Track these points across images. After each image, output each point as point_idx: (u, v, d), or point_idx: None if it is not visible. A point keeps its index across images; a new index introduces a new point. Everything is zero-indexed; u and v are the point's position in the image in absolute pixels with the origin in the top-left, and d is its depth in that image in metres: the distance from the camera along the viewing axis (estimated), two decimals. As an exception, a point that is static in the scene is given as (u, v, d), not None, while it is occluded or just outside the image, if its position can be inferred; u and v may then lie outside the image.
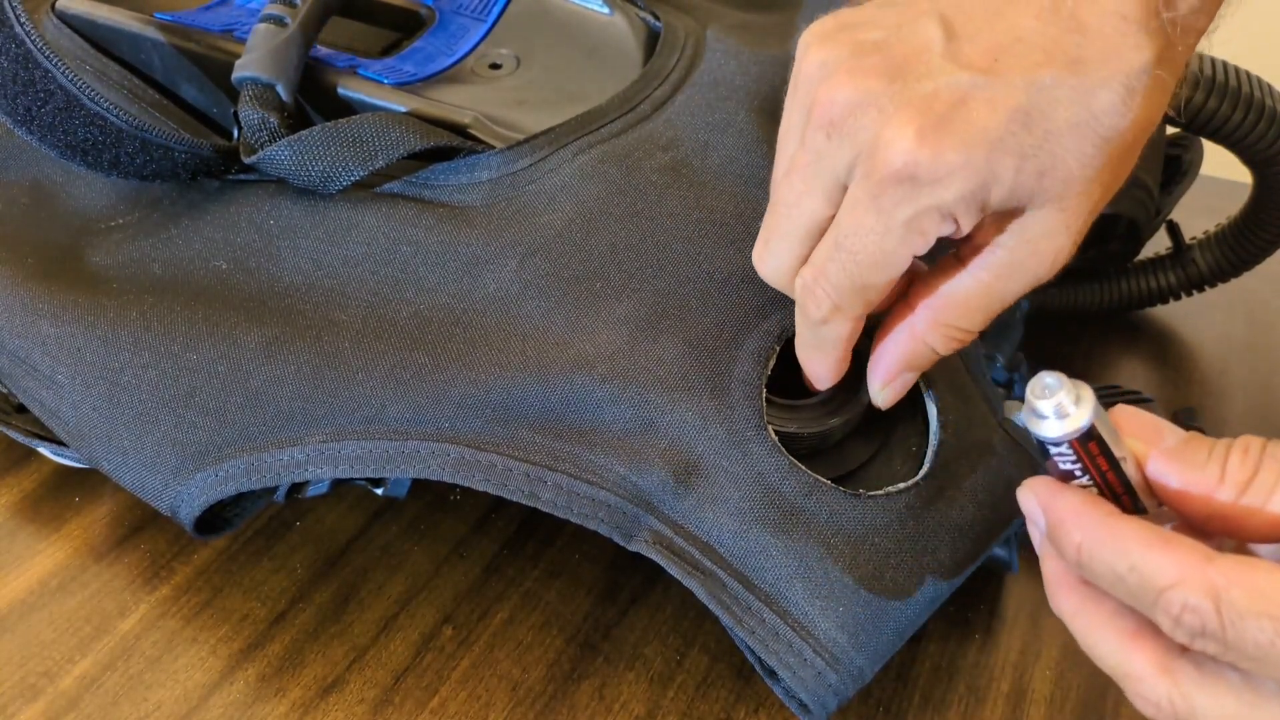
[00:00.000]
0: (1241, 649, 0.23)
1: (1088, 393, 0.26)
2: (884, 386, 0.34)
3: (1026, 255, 0.30)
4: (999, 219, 0.30)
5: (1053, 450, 0.26)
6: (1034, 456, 0.29)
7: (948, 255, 0.31)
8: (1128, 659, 0.26)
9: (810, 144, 0.30)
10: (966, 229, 0.29)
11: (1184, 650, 0.25)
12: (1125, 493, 0.27)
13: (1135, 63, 0.27)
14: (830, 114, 0.29)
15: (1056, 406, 0.26)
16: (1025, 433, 0.27)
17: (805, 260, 0.32)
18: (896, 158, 0.28)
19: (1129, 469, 0.27)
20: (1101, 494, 0.27)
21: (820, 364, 0.34)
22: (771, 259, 0.33)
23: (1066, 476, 0.27)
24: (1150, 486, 0.27)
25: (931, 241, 0.29)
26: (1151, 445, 0.27)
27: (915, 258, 0.30)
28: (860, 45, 0.30)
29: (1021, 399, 0.43)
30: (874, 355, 0.34)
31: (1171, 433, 0.27)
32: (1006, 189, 0.28)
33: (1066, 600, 0.27)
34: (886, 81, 0.29)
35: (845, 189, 0.30)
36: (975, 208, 0.28)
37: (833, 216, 0.30)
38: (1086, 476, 0.27)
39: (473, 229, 0.38)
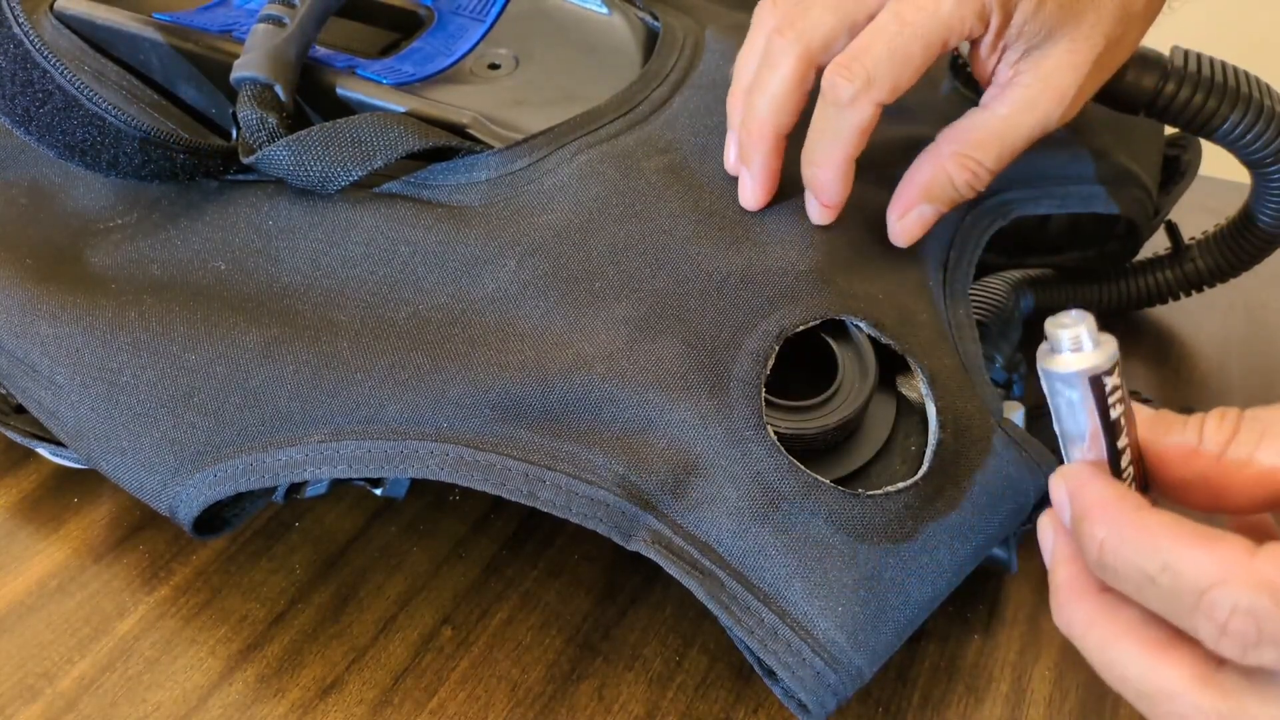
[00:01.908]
0: None
1: (1110, 338, 0.24)
2: (902, 216, 0.37)
3: (1039, 91, 0.35)
4: (1015, 59, 0.34)
5: (1062, 391, 0.24)
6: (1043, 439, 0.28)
7: (975, 106, 0.36)
8: (1158, 673, 0.23)
9: None
10: (993, 34, 0.34)
11: (1222, 661, 0.22)
12: (1138, 463, 0.25)
13: None
14: None
15: (1074, 339, 0.24)
16: (1041, 378, 0.24)
17: (829, 47, 0.34)
18: None
19: (1132, 435, 0.24)
20: (1112, 465, 0.24)
21: (831, 157, 0.35)
22: (817, 29, 0.34)
23: (1080, 436, 0.24)
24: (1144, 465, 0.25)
25: (967, 32, 0.33)
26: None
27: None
28: None
29: (1020, 399, 0.43)
30: (895, 192, 0.37)
31: (1144, 410, 0.26)
32: (1032, 5, 0.33)
33: (1080, 610, 0.25)
34: None
35: None
36: (1001, 14, 0.33)
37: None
38: (1108, 429, 0.24)
39: (471, 229, 0.38)
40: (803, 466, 0.33)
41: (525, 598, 0.39)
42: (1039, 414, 0.44)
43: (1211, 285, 0.51)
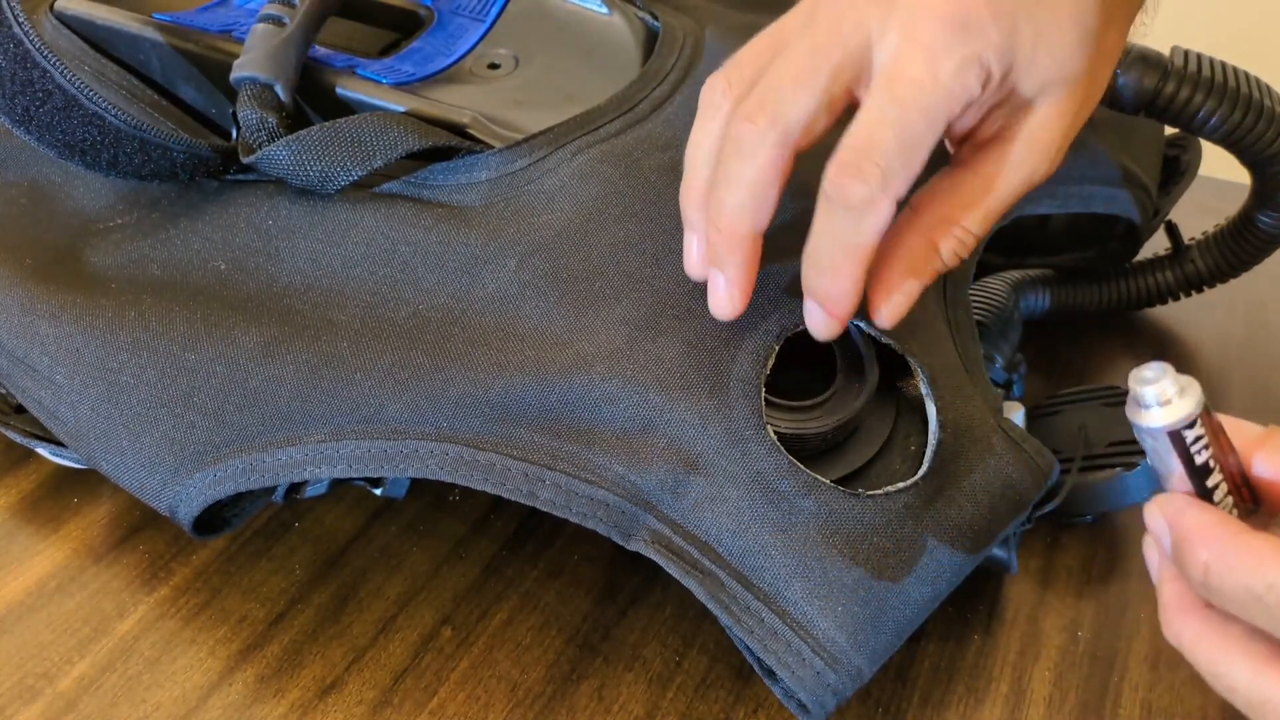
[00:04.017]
0: None
1: (1193, 384, 0.25)
2: (887, 298, 0.33)
3: (1026, 148, 0.32)
4: (998, 116, 0.32)
5: (1148, 440, 0.26)
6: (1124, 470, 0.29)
7: (948, 166, 0.33)
8: (1265, 684, 0.24)
9: (827, 15, 0.31)
10: (989, 94, 0.31)
11: None
12: (1238, 492, 0.26)
13: None
14: None
15: (1159, 394, 0.25)
16: (1133, 432, 0.26)
17: (810, 130, 0.31)
18: (940, 5, 0.29)
19: (1228, 468, 0.26)
20: (1208, 496, 0.26)
21: (847, 268, 0.31)
22: (793, 109, 0.31)
23: (1170, 476, 0.26)
24: (1251, 486, 0.26)
25: (966, 100, 0.30)
26: (1244, 440, 0.26)
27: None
28: None
29: (1020, 399, 0.43)
30: (875, 270, 0.33)
31: (1249, 427, 0.27)
32: (1026, 54, 0.30)
33: (1188, 626, 0.26)
34: None
35: (868, 59, 0.30)
36: (1002, 67, 0.30)
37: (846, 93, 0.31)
38: (1195, 474, 0.25)
39: (471, 229, 0.38)
40: (803, 466, 0.33)
41: (525, 598, 0.39)
42: (1039, 414, 0.44)
43: (1211, 285, 0.51)
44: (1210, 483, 0.26)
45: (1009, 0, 0.30)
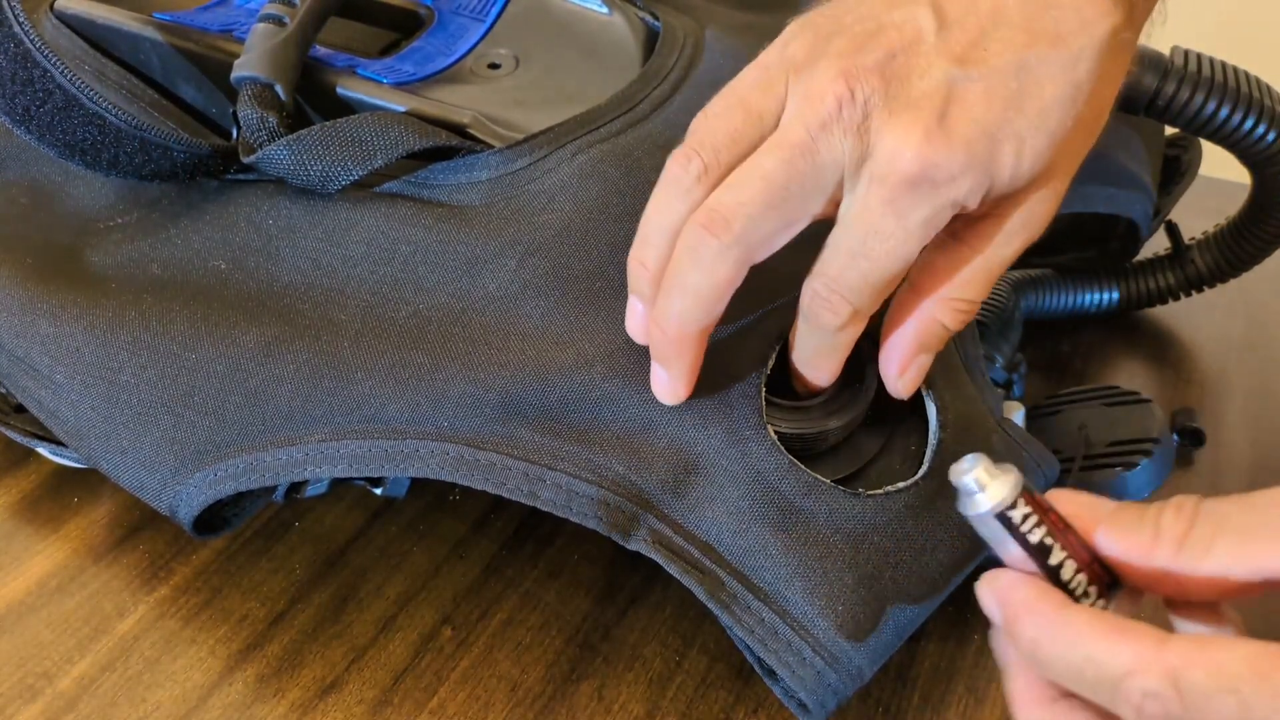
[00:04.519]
0: None
1: (1011, 469, 0.26)
2: (901, 374, 0.33)
3: (1020, 223, 0.31)
4: (989, 202, 0.31)
5: (979, 529, 0.26)
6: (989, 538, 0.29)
7: (942, 235, 0.32)
8: None
9: (802, 139, 0.30)
10: (973, 209, 0.30)
11: None
12: (1089, 569, 0.26)
13: (1106, 29, 0.30)
14: (823, 113, 0.29)
15: (976, 481, 0.26)
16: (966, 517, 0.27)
17: (770, 249, 0.31)
18: (909, 163, 0.28)
19: (1070, 545, 0.26)
20: (1052, 578, 0.26)
21: (828, 368, 0.33)
22: (758, 232, 0.30)
23: (1014, 561, 0.26)
24: (1104, 563, 0.26)
25: (940, 229, 0.30)
26: (1091, 519, 0.26)
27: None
28: (854, 36, 0.30)
29: (1020, 399, 0.43)
30: (885, 347, 0.34)
31: (1104, 504, 0.27)
32: (1009, 174, 0.30)
33: (1036, 712, 0.26)
34: (882, 80, 0.29)
35: (839, 187, 0.30)
36: (979, 196, 0.30)
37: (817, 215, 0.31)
38: (1034, 553, 0.26)
39: (472, 228, 0.38)
40: (803, 466, 0.33)
41: (525, 598, 0.39)
42: (1039, 414, 0.44)
43: (1211, 285, 0.51)
44: (1053, 561, 0.26)
45: (986, 127, 0.29)
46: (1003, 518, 0.25)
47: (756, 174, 0.30)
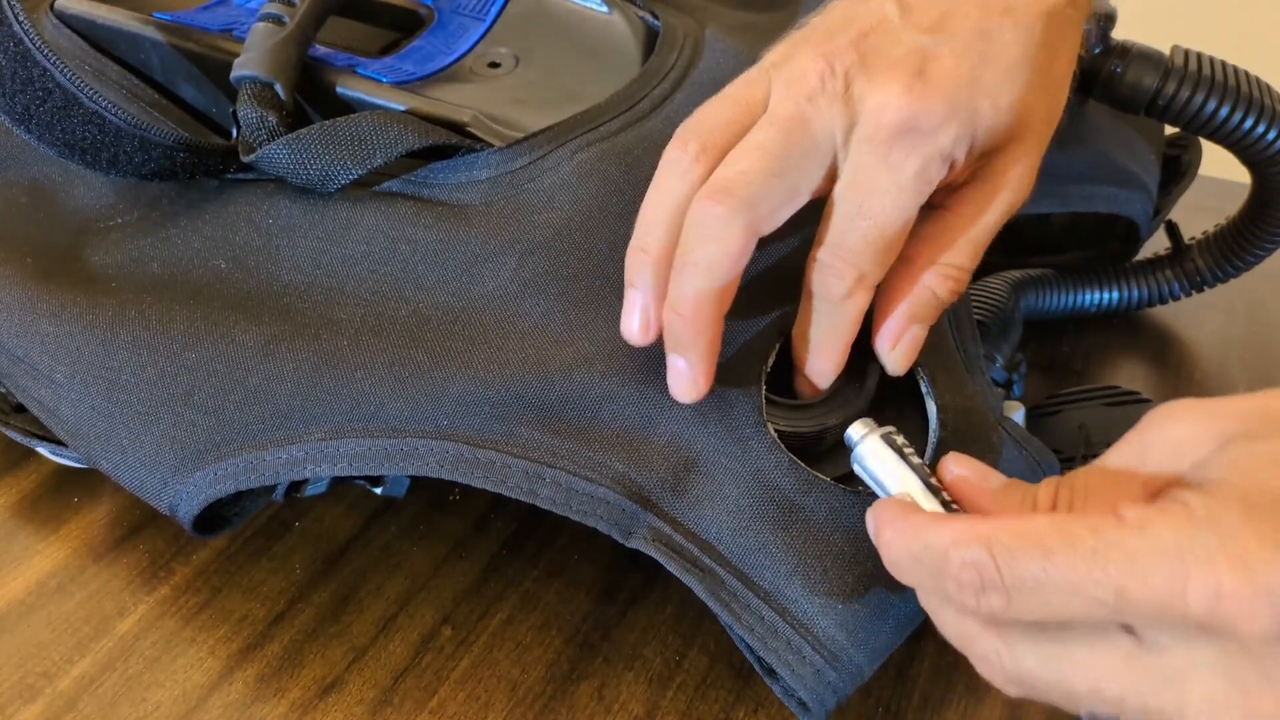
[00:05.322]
0: (1020, 588, 0.24)
1: (867, 428, 0.31)
2: (894, 346, 0.34)
3: (998, 184, 0.33)
4: (970, 165, 0.33)
5: (860, 465, 0.31)
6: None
7: (929, 210, 0.34)
8: (963, 622, 0.27)
9: (791, 112, 0.31)
10: (960, 169, 0.32)
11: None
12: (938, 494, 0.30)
13: (1051, 3, 0.33)
14: (807, 88, 0.31)
15: (852, 434, 0.31)
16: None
17: (774, 221, 0.32)
18: (894, 114, 0.30)
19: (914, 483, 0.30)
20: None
21: (835, 349, 0.34)
22: (765, 199, 0.31)
23: (891, 485, 0.30)
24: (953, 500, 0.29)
25: (934, 188, 0.32)
26: (979, 484, 0.29)
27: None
28: (825, 31, 0.33)
29: (1020, 399, 0.43)
30: (878, 321, 0.34)
31: (997, 478, 0.29)
32: (988, 124, 0.32)
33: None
34: (858, 54, 0.31)
35: (834, 159, 0.32)
36: (965, 147, 0.32)
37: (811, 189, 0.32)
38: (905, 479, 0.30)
39: (471, 227, 0.38)
40: (803, 464, 0.33)
41: (525, 598, 0.39)
42: (1039, 414, 0.44)
43: (1211, 285, 0.51)
44: (921, 483, 0.30)
45: (961, 80, 0.31)
46: (877, 444, 0.30)
47: (753, 146, 0.31)
